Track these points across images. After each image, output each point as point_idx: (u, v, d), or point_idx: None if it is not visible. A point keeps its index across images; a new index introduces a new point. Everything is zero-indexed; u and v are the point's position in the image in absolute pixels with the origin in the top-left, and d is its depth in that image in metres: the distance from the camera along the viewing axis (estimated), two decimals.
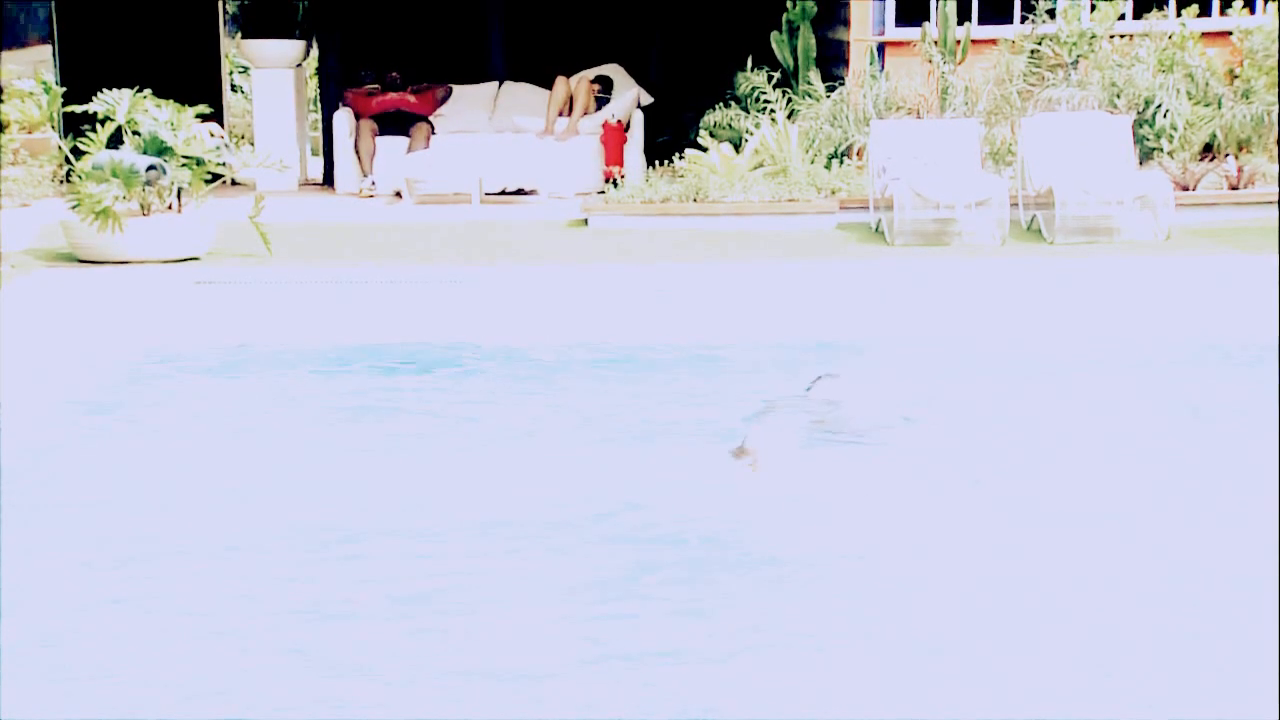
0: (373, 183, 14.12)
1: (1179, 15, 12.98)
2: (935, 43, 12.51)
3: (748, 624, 4.72)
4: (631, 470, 6.17)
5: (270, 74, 15.01)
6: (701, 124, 12.81)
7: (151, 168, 10.49)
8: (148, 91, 10.86)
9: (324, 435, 6.98)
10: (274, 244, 10.68)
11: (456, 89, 15.10)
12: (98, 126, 10.64)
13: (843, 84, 12.77)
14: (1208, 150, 12.33)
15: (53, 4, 15.11)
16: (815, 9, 13.21)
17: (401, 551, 5.36)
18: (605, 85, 14.75)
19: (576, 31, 15.25)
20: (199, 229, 10.77)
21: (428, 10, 15.48)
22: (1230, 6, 13.14)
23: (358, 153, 14.42)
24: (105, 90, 10.77)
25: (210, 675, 4.41)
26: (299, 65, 15.26)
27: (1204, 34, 12.77)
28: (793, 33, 13.23)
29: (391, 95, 14.66)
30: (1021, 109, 12.18)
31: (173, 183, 10.67)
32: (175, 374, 8.07)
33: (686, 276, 10.09)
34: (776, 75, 12.98)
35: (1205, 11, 13.29)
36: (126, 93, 10.75)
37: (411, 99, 14.69)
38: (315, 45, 15.87)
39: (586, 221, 11.97)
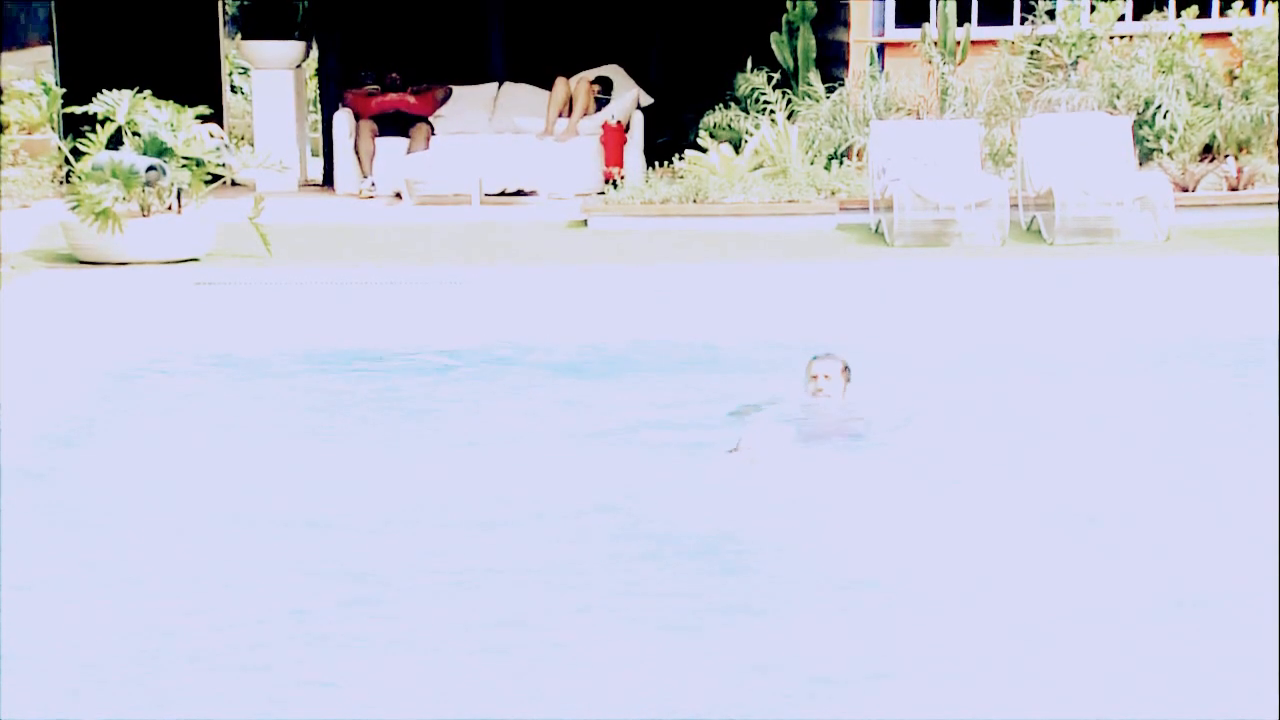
0: (372, 184, 14.10)
1: (1179, 16, 12.97)
2: (935, 44, 12.51)
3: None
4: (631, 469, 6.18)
5: (270, 75, 15.00)
6: (701, 125, 12.80)
7: (151, 169, 10.48)
8: (147, 92, 10.85)
9: (324, 436, 6.98)
10: (274, 245, 10.68)
11: (456, 90, 15.09)
12: (97, 127, 10.63)
13: (842, 85, 12.77)
14: (1207, 151, 12.32)
15: (53, 4, 15.11)
16: (815, 10, 13.21)
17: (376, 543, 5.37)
18: (605, 86, 14.74)
19: (576, 32, 15.23)
20: (199, 230, 10.76)
21: (428, 11, 15.46)
22: (1230, 7, 13.13)
23: (357, 154, 14.41)
24: (105, 91, 10.76)
25: (211, 676, 4.42)
26: (299, 66, 15.25)
27: (1204, 35, 12.76)
28: (792, 33, 13.23)
29: (391, 96, 14.64)
30: (1021, 110, 12.17)
31: (172, 184, 10.66)
32: (175, 374, 8.07)
33: (686, 277, 10.08)
34: (776, 76, 12.97)
35: (1205, 12, 13.28)
36: (126, 94, 10.74)
37: (411, 100, 14.68)
38: (315, 46, 15.85)
39: (586, 222, 11.97)
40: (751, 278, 10.07)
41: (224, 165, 11.27)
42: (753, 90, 12.84)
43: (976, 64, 12.63)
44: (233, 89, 18.98)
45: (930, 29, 12.60)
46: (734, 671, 4.40)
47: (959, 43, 12.55)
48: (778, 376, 7.14)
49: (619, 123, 14.28)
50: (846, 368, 6.71)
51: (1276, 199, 11.47)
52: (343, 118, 14.55)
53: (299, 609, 4.86)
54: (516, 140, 14.23)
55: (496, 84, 15.27)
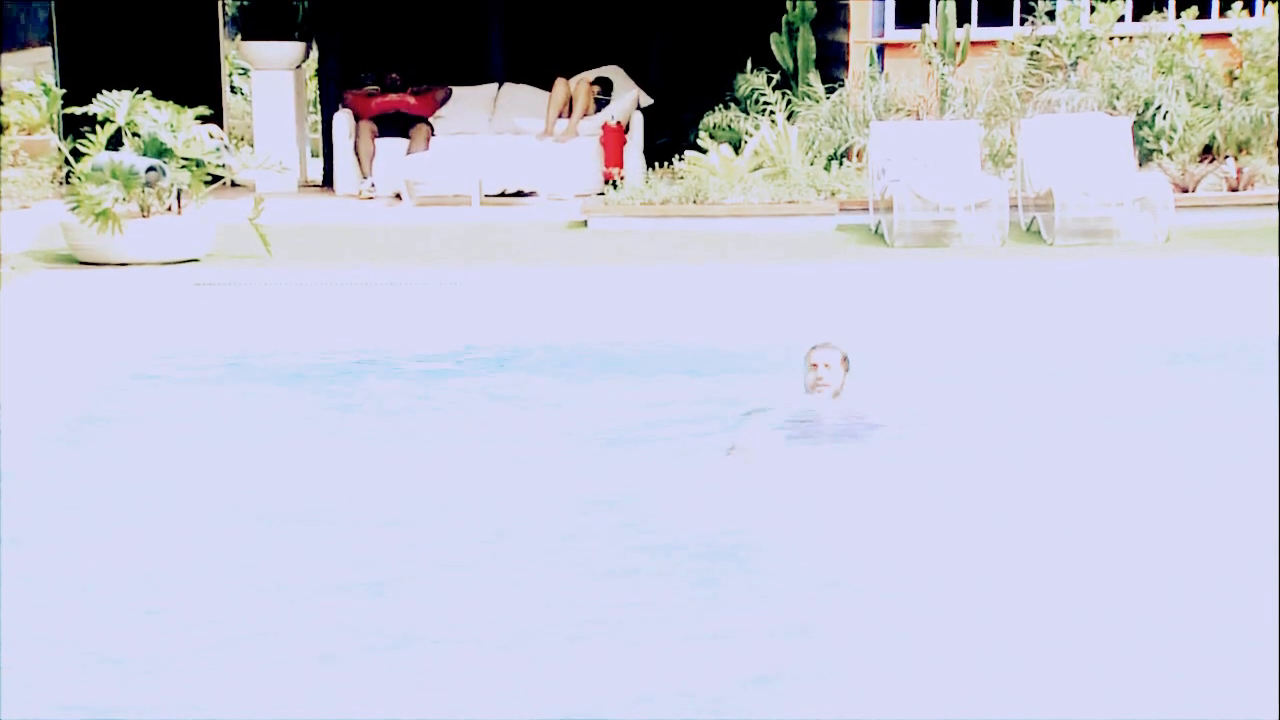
0: (372, 184, 14.11)
1: (1178, 17, 12.98)
2: (935, 44, 12.51)
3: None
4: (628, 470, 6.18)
5: (270, 75, 15.01)
6: (701, 125, 12.81)
7: (151, 169, 10.48)
8: (147, 93, 10.85)
9: (324, 436, 6.97)
10: (274, 245, 10.68)
11: (456, 90, 15.10)
12: (97, 128, 10.64)
13: (842, 85, 12.78)
14: (1207, 152, 12.33)
15: (53, 5, 15.11)
16: (815, 10, 13.21)
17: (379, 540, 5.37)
18: (605, 87, 14.75)
19: (576, 33, 15.24)
20: (199, 231, 10.77)
21: (428, 12, 15.47)
22: (1230, 8, 13.14)
23: (357, 154, 14.42)
24: (105, 92, 10.77)
25: (216, 679, 4.42)
26: (299, 67, 15.26)
27: (1203, 36, 12.77)
28: (792, 34, 13.23)
29: (391, 97, 14.65)
30: (1021, 110, 12.18)
31: (172, 184, 10.67)
32: (174, 375, 8.06)
33: (686, 278, 10.08)
34: (776, 77, 12.98)
35: (1205, 13, 13.29)
36: (126, 94, 10.74)
37: (411, 100, 14.69)
38: (315, 47, 15.86)
39: (586, 223, 11.97)
40: (751, 278, 10.08)
41: (224, 166, 11.28)
42: (752, 91, 12.84)
43: (976, 65, 12.64)
44: (233, 90, 18.99)
45: (930, 30, 12.61)
46: (731, 672, 4.40)
47: (959, 43, 12.56)
48: (778, 377, 7.13)
49: (619, 123, 14.29)
50: (846, 358, 6.70)
51: (1276, 200, 11.48)
52: (342, 118, 14.56)
53: (299, 609, 4.86)
54: (516, 141, 14.24)
55: (496, 85, 15.28)
